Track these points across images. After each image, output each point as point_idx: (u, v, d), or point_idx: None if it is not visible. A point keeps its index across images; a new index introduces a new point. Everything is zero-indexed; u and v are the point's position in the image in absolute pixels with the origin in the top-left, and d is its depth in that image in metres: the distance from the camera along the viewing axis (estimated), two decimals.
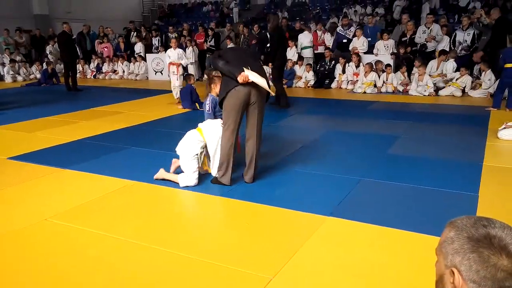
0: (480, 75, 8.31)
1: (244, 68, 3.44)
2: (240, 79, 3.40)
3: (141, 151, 4.90)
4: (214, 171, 3.85)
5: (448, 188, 3.52)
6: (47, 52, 13.94)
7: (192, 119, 5.82)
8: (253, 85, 3.47)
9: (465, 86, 8.29)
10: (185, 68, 11.68)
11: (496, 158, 4.40)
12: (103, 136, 5.70)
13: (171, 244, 2.72)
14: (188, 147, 3.74)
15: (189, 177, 3.71)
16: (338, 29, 10.46)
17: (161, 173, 3.89)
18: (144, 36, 13.75)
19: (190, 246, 2.70)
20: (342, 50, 10.11)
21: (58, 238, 2.87)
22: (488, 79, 8.01)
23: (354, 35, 10.05)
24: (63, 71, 10.72)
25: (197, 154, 3.73)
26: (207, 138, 3.79)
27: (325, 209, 3.16)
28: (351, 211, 3.13)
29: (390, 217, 2.99)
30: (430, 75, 8.59)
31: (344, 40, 10.15)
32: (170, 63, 8.26)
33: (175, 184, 3.75)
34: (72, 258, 2.59)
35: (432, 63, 8.88)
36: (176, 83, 8.29)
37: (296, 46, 10.72)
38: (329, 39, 10.78)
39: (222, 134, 3.65)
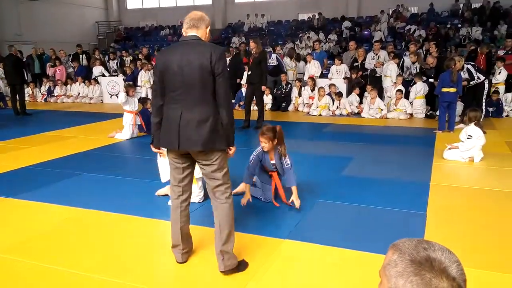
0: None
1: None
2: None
3: (94, 177, 4.74)
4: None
5: (399, 208, 3.66)
6: None
7: (148, 143, 5.70)
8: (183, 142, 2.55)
9: (407, 108, 8.82)
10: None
11: (442, 178, 4.64)
12: (53, 162, 5.47)
13: (125, 275, 2.62)
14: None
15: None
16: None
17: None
18: (99, 59, 13.54)
19: (146, 277, 2.62)
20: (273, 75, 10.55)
21: (4, 274, 2.69)
22: (420, 89, 8.75)
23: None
24: (11, 94, 10.27)
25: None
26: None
27: (282, 232, 3.18)
28: (307, 233, 3.18)
29: (346, 238, 3.06)
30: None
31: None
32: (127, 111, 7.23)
33: (130, 211, 3.66)
34: None
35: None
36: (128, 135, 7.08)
37: None
38: (289, 63, 11.07)
39: None
